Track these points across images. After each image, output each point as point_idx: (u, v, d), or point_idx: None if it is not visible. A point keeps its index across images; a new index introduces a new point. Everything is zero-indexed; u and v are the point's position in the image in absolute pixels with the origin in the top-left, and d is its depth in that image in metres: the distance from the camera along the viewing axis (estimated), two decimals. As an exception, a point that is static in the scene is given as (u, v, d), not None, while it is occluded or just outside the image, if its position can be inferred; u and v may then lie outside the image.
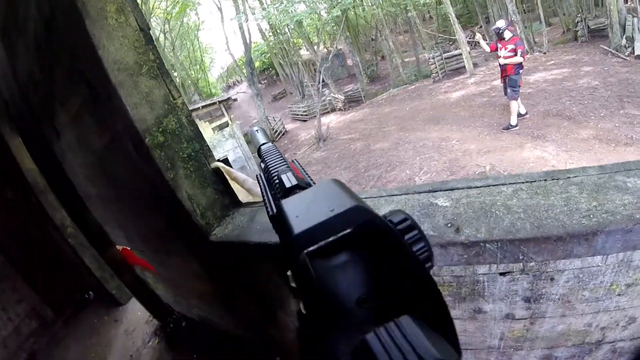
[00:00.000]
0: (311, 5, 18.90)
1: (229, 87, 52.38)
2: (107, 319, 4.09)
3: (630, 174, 1.07)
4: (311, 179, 0.73)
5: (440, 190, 1.24)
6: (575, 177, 1.11)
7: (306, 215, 0.36)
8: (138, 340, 3.44)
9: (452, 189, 1.23)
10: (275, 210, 0.67)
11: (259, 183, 0.89)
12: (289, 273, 0.44)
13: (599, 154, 6.63)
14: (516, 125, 8.68)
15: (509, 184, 1.17)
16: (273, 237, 1.36)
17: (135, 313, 3.85)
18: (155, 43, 1.43)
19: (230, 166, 1.69)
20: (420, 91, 18.06)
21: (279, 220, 0.42)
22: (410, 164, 8.98)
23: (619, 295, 1.28)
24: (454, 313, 1.60)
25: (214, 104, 20.60)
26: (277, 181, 0.72)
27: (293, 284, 0.41)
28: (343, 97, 22.06)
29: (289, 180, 0.64)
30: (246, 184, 1.68)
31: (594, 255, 1.08)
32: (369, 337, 0.26)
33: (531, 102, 9.47)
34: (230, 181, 1.68)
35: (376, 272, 0.34)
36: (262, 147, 0.97)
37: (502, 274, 1.24)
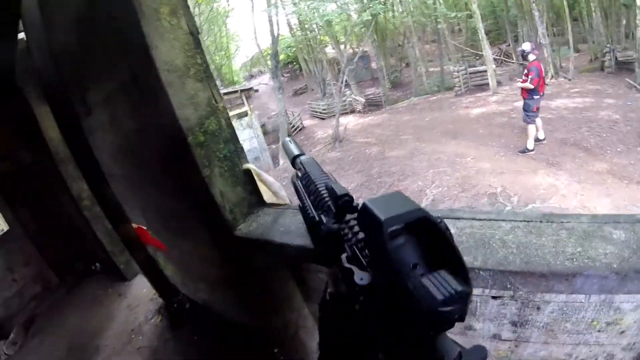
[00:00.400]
0: (342, 5, 18.94)
1: (251, 77, 52.41)
2: (111, 292, 4.19)
3: (618, 226, 1.14)
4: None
5: (448, 218, 1.33)
6: (568, 222, 1.19)
7: (388, 210, 0.52)
8: (140, 316, 3.54)
9: (458, 218, 1.33)
10: (317, 217, 0.86)
11: (296, 189, 1.01)
12: (343, 256, 0.66)
13: (610, 188, 6.63)
14: (532, 150, 8.68)
15: (509, 220, 1.26)
16: (294, 240, 1.46)
17: (140, 290, 3.95)
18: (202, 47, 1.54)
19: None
20: (442, 103, 18.00)
21: (364, 212, 0.57)
22: (423, 175, 9.01)
23: (599, 331, 1.36)
24: (446, 328, 1.69)
25: (235, 92, 20.69)
26: (323, 190, 0.88)
27: (347, 264, 0.63)
28: (364, 100, 22.07)
29: (339, 189, 0.78)
30: (273, 187, 1.78)
31: (574, 293, 1.16)
32: (424, 280, 0.45)
33: (550, 128, 9.44)
34: (258, 182, 1.78)
35: (424, 247, 0.53)
36: (302, 158, 1.08)
37: (494, 297, 1.36)
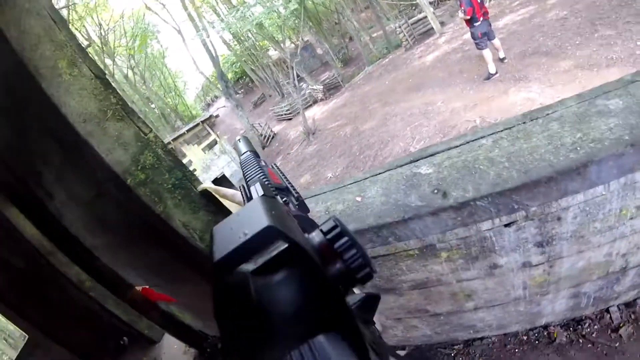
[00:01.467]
0: (267, 4, 18.76)
1: (208, 105, 52.13)
2: (146, 360, 4.11)
3: (609, 95, 1.03)
4: (289, 182, 0.74)
5: (422, 159, 1.23)
6: (555, 112, 1.07)
7: (225, 241, 0.35)
8: (180, 373, 3.46)
9: (433, 154, 1.22)
10: None
11: (242, 195, 0.89)
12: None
13: (583, 81, 6.60)
14: (496, 73, 8.67)
15: (488, 135, 1.15)
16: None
17: (172, 347, 3.87)
18: (114, 86, 1.44)
19: (230, 182, 1.69)
20: (395, 62, 17.94)
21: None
22: (401, 136, 8.98)
23: (632, 219, 1.27)
24: (469, 274, 1.62)
25: (197, 125, 20.57)
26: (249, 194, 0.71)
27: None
28: (322, 87, 21.95)
29: (256, 191, 0.60)
30: (236, 198, 1.68)
31: (593, 187, 1.06)
32: (294, 354, 0.30)
33: (505, 46, 9.40)
34: (220, 199, 1.68)
35: (295, 292, 0.34)
36: (241, 158, 0.96)
37: (506, 225, 1.23)
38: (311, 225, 0.60)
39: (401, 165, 1.26)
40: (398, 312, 1.83)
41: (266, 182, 0.72)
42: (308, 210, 0.71)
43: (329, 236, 0.39)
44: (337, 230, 0.39)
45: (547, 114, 1.07)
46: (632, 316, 2.06)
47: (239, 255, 0.33)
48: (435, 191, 1.07)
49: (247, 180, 0.79)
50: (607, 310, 2.04)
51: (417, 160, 1.22)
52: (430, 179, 1.11)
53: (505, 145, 1.05)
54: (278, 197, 0.65)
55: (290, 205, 0.67)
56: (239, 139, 1.09)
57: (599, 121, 0.97)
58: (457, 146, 1.18)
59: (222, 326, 0.34)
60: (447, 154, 1.15)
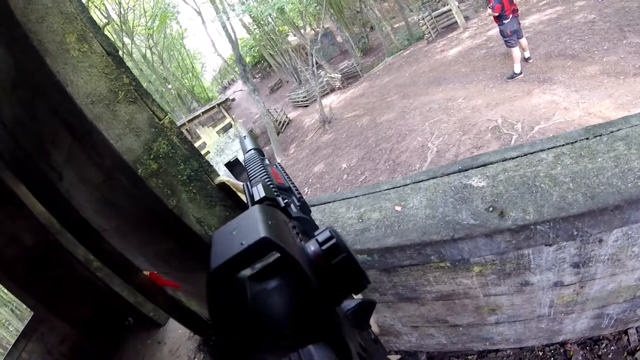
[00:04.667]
0: (290, -11, 18.60)
1: (224, 88, 52.25)
2: (150, 342, 4.10)
3: None
4: (292, 182, 0.75)
5: (472, 168, 1.10)
6: (619, 130, 0.96)
7: (223, 249, 0.36)
8: (184, 358, 3.44)
9: (484, 165, 1.08)
10: None
11: (245, 194, 0.86)
12: None
13: (609, 88, 6.40)
14: (520, 73, 8.47)
15: (548, 149, 1.01)
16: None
17: (177, 331, 3.85)
18: (132, 65, 1.34)
19: (242, 166, 1.59)
20: (416, 55, 17.70)
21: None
22: (420, 130, 8.83)
23: None
24: (498, 289, 1.53)
25: (213, 107, 20.63)
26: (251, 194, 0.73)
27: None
28: (340, 76, 21.81)
29: (258, 193, 0.63)
30: None
31: None
32: None
33: (531, 46, 9.17)
34: (239, 193, 1.59)
35: (286, 301, 0.36)
36: (245, 157, 0.95)
37: (547, 244, 1.13)
38: (312, 227, 0.65)
39: (448, 174, 1.15)
40: (417, 320, 1.76)
41: (269, 183, 0.72)
42: (309, 211, 0.72)
43: (324, 247, 0.40)
44: (333, 242, 0.40)
45: (612, 132, 0.96)
46: (649, 340, 2.00)
47: (235, 264, 0.34)
48: (491, 209, 0.98)
49: (251, 179, 0.80)
50: (626, 332, 1.97)
51: (467, 170, 1.10)
52: (483, 194, 1.01)
53: (569, 163, 0.95)
54: (280, 198, 0.67)
55: (292, 206, 0.68)
56: (244, 136, 1.06)
57: (669, 146, 0.87)
58: (513, 158, 1.06)
59: (217, 327, 0.35)
60: (502, 166, 1.04)
